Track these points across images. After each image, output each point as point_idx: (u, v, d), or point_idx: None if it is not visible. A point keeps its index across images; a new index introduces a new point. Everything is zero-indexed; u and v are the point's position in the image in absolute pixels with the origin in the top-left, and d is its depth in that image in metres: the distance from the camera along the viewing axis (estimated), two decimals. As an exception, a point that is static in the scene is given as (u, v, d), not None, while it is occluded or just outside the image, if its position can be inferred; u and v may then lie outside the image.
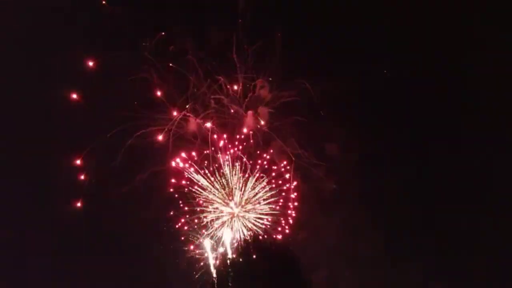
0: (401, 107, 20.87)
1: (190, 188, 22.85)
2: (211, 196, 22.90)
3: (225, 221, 22.56)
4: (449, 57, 20.86)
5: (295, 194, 22.36)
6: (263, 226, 22.24)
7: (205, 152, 22.72)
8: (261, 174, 22.62)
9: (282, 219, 22.26)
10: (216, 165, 22.83)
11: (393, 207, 20.49)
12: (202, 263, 22.42)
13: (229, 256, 20.72)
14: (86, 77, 22.86)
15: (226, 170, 22.85)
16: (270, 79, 22.11)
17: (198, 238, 22.55)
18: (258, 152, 22.68)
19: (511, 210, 19.68)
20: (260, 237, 19.01)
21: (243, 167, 22.74)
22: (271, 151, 22.48)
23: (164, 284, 22.63)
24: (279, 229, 22.23)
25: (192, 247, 22.69)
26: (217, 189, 22.87)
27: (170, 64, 22.75)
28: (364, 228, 20.49)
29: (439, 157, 20.82)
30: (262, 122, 22.28)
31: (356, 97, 21.28)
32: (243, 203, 22.68)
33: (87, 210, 23.13)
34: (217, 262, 21.62)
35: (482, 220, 19.59)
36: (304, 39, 21.54)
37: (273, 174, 22.74)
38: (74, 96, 22.51)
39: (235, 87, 22.55)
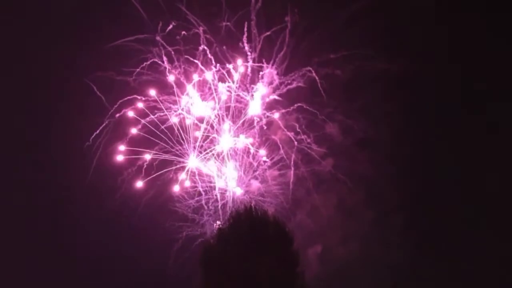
0: (402, 95, 22.06)
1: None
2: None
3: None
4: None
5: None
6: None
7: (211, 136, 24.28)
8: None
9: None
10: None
11: (387, 188, 21.86)
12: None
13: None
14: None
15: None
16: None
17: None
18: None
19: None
20: (253, 209, 19.13)
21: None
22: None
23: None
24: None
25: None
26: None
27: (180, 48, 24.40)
28: (358, 207, 22.02)
29: (434, 143, 22.26)
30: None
31: (361, 83, 22.82)
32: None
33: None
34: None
35: (475, 200, 21.15)
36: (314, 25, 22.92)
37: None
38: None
39: (242, 71, 23.91)
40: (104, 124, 23.92)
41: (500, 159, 21.46)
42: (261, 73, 23.79)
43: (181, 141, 23.83)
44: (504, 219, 20.93)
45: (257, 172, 23.83)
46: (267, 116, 23.82)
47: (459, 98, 22.03)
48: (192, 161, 24.08)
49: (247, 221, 17.42)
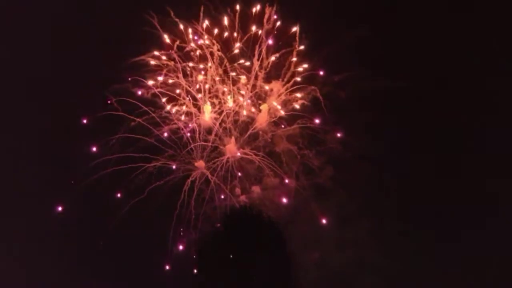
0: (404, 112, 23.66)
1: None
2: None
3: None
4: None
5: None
6: None
7: (221, 147, 25.71)
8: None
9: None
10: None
11: (384, 199, 22.79)
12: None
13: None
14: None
15: None
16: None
17: None
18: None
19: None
20: (249, 207, 19.51)
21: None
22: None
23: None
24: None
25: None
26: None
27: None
28: (355, 215, 22.90)
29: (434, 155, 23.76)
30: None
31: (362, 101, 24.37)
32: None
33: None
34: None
35: (475, 208, 22.39)
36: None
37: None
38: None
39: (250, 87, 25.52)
40: (118, 134, 25.47)
41: (501, 170, 22.16)
42: (267, 87, 25.58)
43: (190, 150, 25.48)
44: (504, 226, 21.47)
45: (261, 184, 25.17)
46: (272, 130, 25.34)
47: (459, 116, 22.95)
48: (200, 168, 25.31)
49: (241, 221, 18.03)
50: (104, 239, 24.50)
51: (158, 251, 24.53)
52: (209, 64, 25.61)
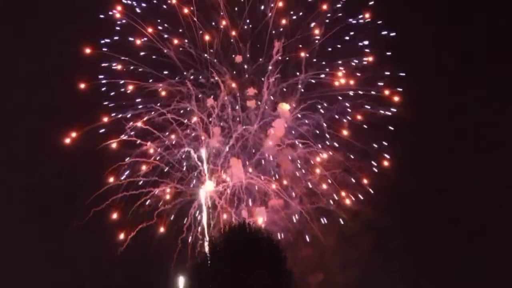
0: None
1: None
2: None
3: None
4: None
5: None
6: None
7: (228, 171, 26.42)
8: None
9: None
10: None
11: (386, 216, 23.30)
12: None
13: None
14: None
15: None
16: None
17: None
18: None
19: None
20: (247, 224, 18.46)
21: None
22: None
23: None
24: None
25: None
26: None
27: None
28: (357, 235, 23.18)
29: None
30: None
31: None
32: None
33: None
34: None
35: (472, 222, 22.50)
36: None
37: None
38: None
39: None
40: (129, 159, 26.28)
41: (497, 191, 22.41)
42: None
43: (198, 174, 26.23)
44: (500, 242, 21.47)
45: (267, 208, 25.62)
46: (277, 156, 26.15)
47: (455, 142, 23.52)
48: (208, 188, 25.90)
49: (240, 236, 17.65)
50: (110, 262, 25.15)
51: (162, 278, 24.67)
52: (220, 91, 26.67)
